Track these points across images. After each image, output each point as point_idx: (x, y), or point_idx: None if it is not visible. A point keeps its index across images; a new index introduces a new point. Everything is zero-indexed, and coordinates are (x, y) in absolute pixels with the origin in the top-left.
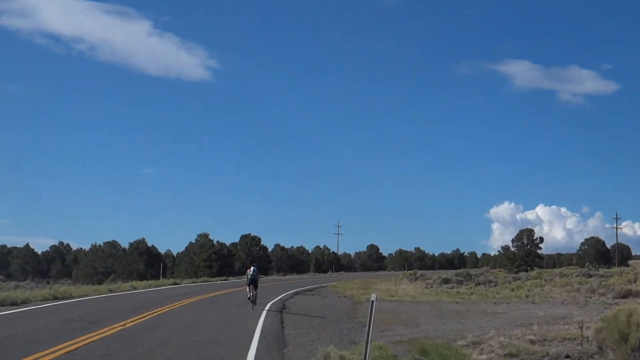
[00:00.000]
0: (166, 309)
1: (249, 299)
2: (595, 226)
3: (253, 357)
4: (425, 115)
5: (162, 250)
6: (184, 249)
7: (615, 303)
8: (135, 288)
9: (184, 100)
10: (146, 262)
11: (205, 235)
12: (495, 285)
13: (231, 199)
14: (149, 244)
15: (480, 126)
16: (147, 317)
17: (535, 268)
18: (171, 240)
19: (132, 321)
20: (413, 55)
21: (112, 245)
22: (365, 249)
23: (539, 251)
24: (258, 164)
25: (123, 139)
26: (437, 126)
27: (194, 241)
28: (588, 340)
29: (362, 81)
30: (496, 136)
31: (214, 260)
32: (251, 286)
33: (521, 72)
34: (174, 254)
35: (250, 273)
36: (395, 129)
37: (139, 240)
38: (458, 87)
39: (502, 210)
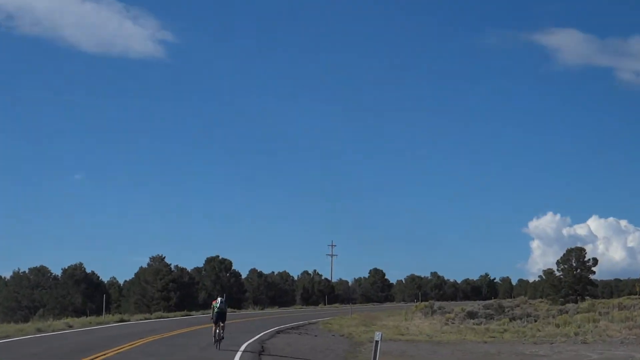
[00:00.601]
0: (112, 353)
1: (215, 337)
2: None
3: None
4: (440, 103)
5: (104, 278)
6: (133, 276)
7: None
8: (70, 326)
9: (128, 83)
10: (84, 294)
11: (161, 259)
12: (536, 321)
13: (192, 212)
14: (88, 271)
15: (514, 115)
16: None
17: (588, 298)
18: (116, 265)
19: None
20: (425, 24)
21: (40, 272)
22: (367, 275)
23: (592, 276)
24: (226, 165)
25: (48, 136)
26: (457, 118)
27: (145, 266)
28: None
29: (358, 59)
30: (535, 128)
31: (171, 290)
32: (219, 322)
33: (568, 44)
34: (120, 282)
35: (217, 305)
36: (401, 122)
37: (75, 265)
38: (484, 64)
39: (545, 223)
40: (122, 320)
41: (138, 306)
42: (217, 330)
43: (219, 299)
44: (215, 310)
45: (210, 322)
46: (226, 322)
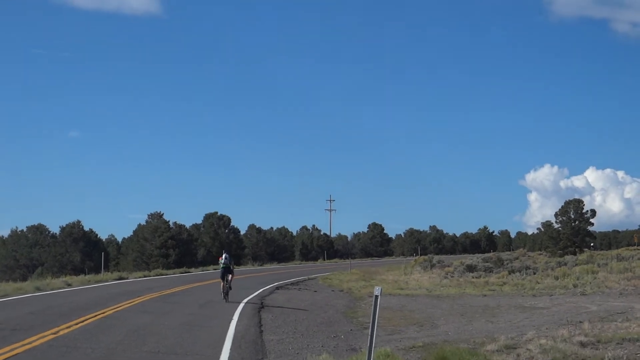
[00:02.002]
0: (110, 311)
1: (222, 289)
2: None
3: None
4: (438, 54)
5: (103, 236)
6: (131, 233)
7: None
8: (69, 285)
9: (123, 40)
10: (83, 252)
11: (159, 216)
12: (535, 273)
13: (190, 168)
14: (86, 228)
15: (510, 67)
16: (86, 322)
17: (586, 250)
18: (114, 222)
19: (67, 327)
20: None
21: (39, 230)
22: (365, 230)
23: (590, 228)
24: (223, 121)
25: (43, 93)
26: (454, 70)
27: (144, 223)
28: None
29: (357, 10)
30: (530, 80)
31: (170, 247)
32: (225, 276)
33: None
34: (119, 240)
35: (222, 261)
36: (398, 72)
37: (73, 223)
38: (480, 15)
39: (542, 175)
40: (120, 278)
41: (137, 264)
42: (224, 285)
43: (224, 255)
44: (222, 265)
45: (217, 278)
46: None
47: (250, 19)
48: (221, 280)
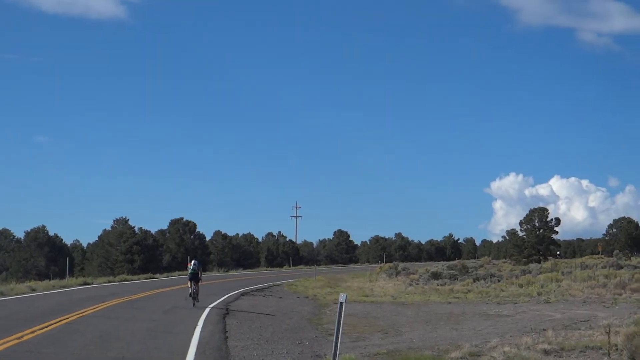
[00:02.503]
0: (75, 317)
1: (190, 295)
2: (626, 203)
3: None
4: (405, 63)
5: (68, 241)
6: (96, 238)
7: None
8: (34, 290)
9: (90, 45)
10: (47, 257)
11: (124, 221)
12: (499, 281)
13: (156, 173)
14: (51, 234)
15: (477, 76)
16: (50, 327)
17: (550, 258)
18: (80, 228)
19: (32, 332)
20: None
21: (3, 235)
22: (331, 237)
23: (554, 236)
24: (190, 127)
25: (9, 97)
26: (420, 77)
27: (109, 229)
28: (617, 349)
29: (325, 17)
30: (497, 88)
31: (135, 252)
32: (192, 281)
33: (529, 5)
34: (84, 245)
35: (191, 267)
36: (364, 79)
37: (38, 228)
38: (449, 25)
39: (507, 184)
40: (85, 284)
41: (102, 269)
42: (191, 287)
43: (193, 261)
44: (190, 271)
45: (177, 285)
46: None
47: (216, 26)
48: (188, 284)
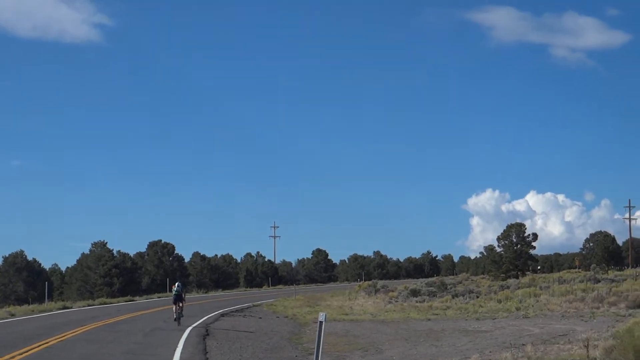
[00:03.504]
0: (54, 341)
1: (175, 315)
2: (602, 217)
3: None
4: (380, 81)
5: (46, 265)
6: (75, 262)
7: (630, 315)
8: (13, 315)
9: (64, 68)
10: (26, 282)
11: (103, 244)
12: (478, 297)
13: (133, 196)
14: (29, 258)
15: (452, 93)
16: (30, 352)
17: (528, 273)
18: (58, 252)
19: (11, 357)
20: (362, 2)
21: None
22: (310, 256)
23: (532, 251)
24: (167, 150)
25: None
26: (396, 95)
27: (87, 252)
28: None
29: (297, 37)
30: (471, 106)
31: (114, 275)
32: (177, 303)
33: (503, 21)
34: (63, 269)
35: (175, 289)
36: (341, 100)
37: (16, 253)
38: (423, 42)
39: (484, 200)
40: (65, 308)
41: (81, 293)
42: (176, 309)
43: (176, 284)
44: (174, 293)
45: (156, 307)
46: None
47: (189, 45)
48: (173, 306)
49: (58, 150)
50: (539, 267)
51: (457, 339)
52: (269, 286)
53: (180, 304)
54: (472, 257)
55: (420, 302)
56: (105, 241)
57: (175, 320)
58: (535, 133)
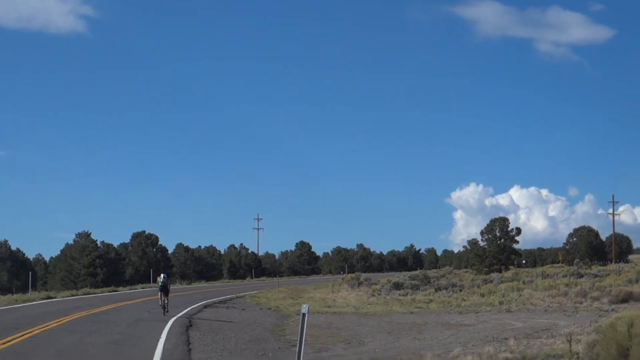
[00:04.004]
0: (37, 330)
1: (161, 305)
2: (586, 212)
3: None
4: (363, 78)
5: (30, 255)
6: (59, 252)
7: (613, 310)
8: None
9: (48, 60)
10: (10, 271)
11: (87, 235)
12: (461, 290)
13: (118, 186)
14: (13, 248)
15: (436, 87)
16: (12, 342)
17: (512, 267)
18: (42, 242)
19: None
20: None
21: None
22: (293, 248)
23: (515, 246)
24: (151, 141)
25: None
26: (380, 89)
27: (71, 242)
28: (578, 358)
29: (284, 30)
30: (456, 100)
31: (98, 266)
32: (162, 293)
33: (487, 16)
34: (46, 259)
35: (160, 281)
36: (326, 92)
37: (0, 243)
38: (408, 37)
39: (467, 194)
40: (48, 298)
41: (65, 283)
42: (162, 298)
43: (162, 275)
44: (159, 284)
45: (141, 297)
46: (157, 297)
47: (175, 37)
48: (159, 295)
49: (42, 142)
50: (524, 262)
51: (439, 333)
52: (252, 278)
53: (166, 295)
54: (456, 250)
55: (403, 295)
56: (89, 232)
57: (162, 308)
58: (519, 128)
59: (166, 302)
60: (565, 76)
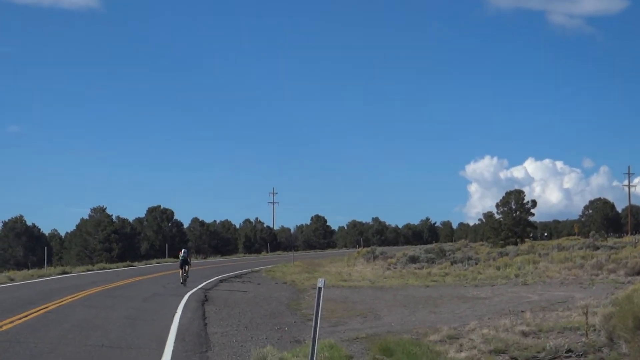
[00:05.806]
0: (54, 305)
1: (180, 277)
2: (601, 184)
3: None
4: (375, 49)
5: (45, 230)
6: (74, 228)
7: (629, 282)
8: (12, 280)
9: (62, 35)
10: (25, 246)
11: (102, 210)
12: (477, 264)
13: (133, 161)
14: (29, 223)
15: (449, 60)
16: (29, 317)
17: (527, 240)
18: (57, 217)
19: (10, 322)
20: None
21: None
22: (308, 222)
23: (530, 218)
24: (165, 116)
25: None
26: (394, 63)
27: (86, 217)
28: (595, 330)
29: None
30: (470, 72)
31: (113, 241)
32: (183, 267)
33: None
34: (62, 234)
35: (181, 255)
36: (339, 67)
37: (15, 218)
38: (418, 10)
39: (482, 167)
40: (64, 273)
41: (80, 258)
42: (182, 273)
43: (183, 250)
44: (180, 258)
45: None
46: (173, 271)
47: (190, 12)
48: (180, 270)
49: (57, 116)
50: (545, 234)
51: (455, 306)
52: (267, 252)
53: (187, 268)
54: (471, 223)
55: (418, 268)
56: (104, 207)
57: (182, 283)
58: (533, 100)
59: (186, 276)
60: (579, 47)
